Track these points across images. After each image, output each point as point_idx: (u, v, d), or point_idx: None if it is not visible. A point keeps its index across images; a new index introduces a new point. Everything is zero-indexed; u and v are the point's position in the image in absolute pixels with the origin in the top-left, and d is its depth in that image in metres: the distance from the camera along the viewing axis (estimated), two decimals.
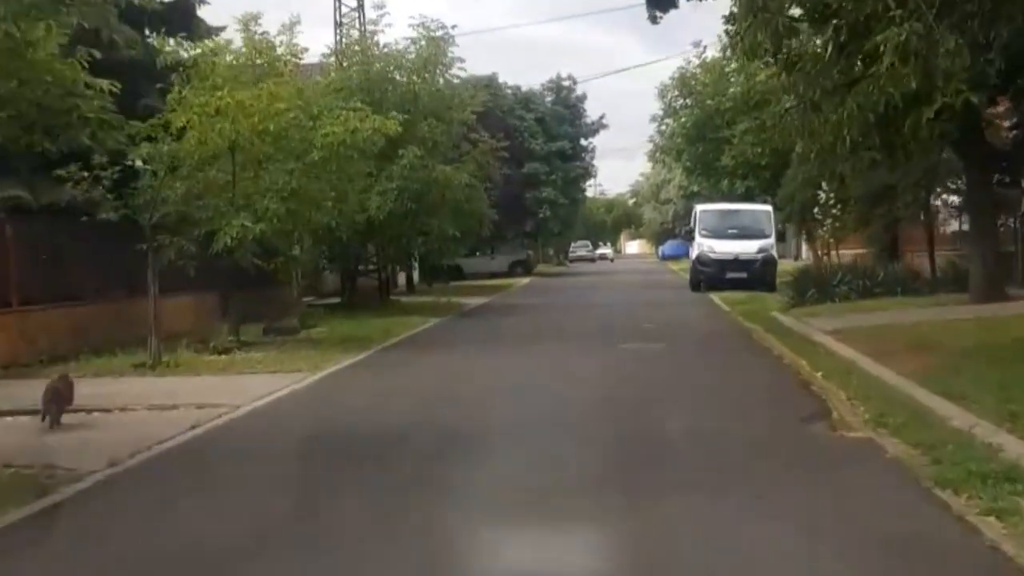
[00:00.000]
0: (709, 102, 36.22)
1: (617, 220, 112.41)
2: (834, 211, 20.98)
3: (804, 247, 49.72)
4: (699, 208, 30.99)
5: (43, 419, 9.19)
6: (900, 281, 21.26)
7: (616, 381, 11.85)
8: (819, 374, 11.20)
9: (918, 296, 20.29)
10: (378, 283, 26.17)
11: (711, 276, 29.33)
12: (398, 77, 22.84)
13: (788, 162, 35.27)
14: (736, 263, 29.01)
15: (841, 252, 38.55)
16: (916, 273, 21.89)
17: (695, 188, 69.60)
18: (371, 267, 25.50)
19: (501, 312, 23.62)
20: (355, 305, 24.57)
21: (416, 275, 39.62)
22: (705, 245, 29.61)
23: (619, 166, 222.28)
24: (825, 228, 20.84)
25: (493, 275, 45.27)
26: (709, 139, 37.66)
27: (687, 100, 37.66)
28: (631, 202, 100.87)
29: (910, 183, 21.58)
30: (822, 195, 20.63)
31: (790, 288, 22.05)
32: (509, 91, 46.48)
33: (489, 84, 43.58)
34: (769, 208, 30.56)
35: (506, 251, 46.70)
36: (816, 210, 20.97)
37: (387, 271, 25.92)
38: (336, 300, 25.78)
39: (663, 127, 38.63)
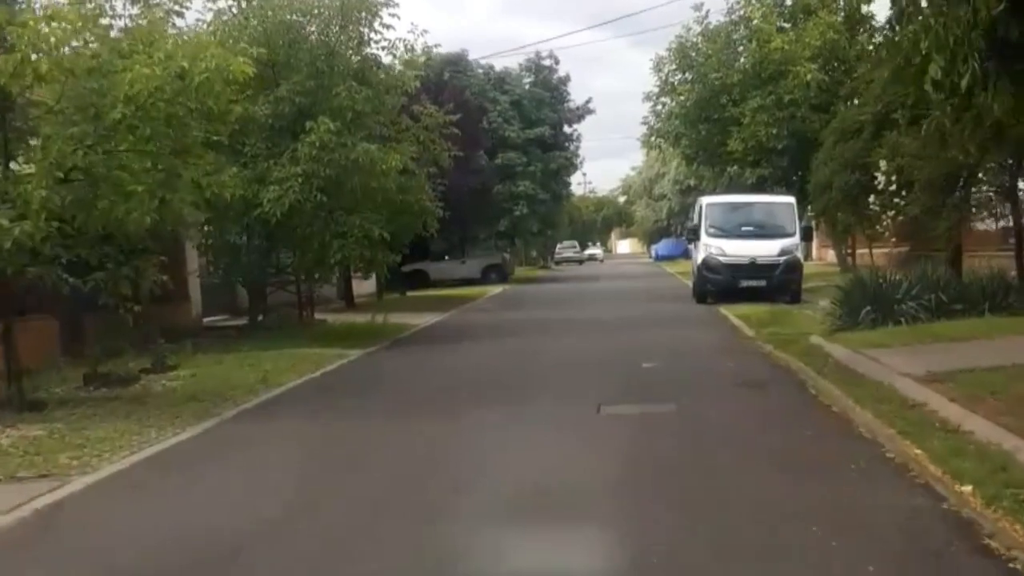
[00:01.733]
0: (713, 75, 30.77)
1: (607, 219, 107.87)
2: (896, 200, 15.43)
3: (815, 246, 44.37)
4: (705, 201, 25.51)
5: None
6: (987, 294, 15.86)
7: (582, 541, 5.95)
8: (976, 498, 5.83)
9: (1015, 315, 14.94)
10: (297, 299, 20.56)
11: (721, 285, 23.90)
12: (308, 28, 17.29)
13: (810, 145, 29.97)
14: (752, 269, 23.58)
15: (866, 252, 33.17)
16: (1006, 283, 16.42)
17: (692, 182, 64.39)
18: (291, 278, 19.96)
19: (447, 339, 18.10)
20: (265, 328, 19.07)
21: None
22: (713, 246, 24.15)
23: (609, 166, 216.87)
24: (886, 223, 15.30)
25: (465, 282, 39.93)
26: (714, 120, 32.29)
27: (687, 74, 32.22)
28: (622, 200, 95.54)
29: (994, 164, 16.17)
30: (880, 178, 15.07)
31: (837, 304, 16.56)
32: (480, 70, 41.02)
33: (457, 62, 38.24)
34: (792, 200, 25.11)
35: (479, 254, 41.19)
36: (872, 199, 15.37)
37: (312, 284, 20.28)
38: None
39: (659, 107, 33.19)
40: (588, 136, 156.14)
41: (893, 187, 15.13)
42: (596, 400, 10.37)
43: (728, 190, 31.74)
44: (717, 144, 33.09)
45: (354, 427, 9.66)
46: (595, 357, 14.48)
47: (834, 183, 21.58)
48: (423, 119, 19.03)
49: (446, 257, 41.81)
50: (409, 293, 35.02)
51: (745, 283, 23.66)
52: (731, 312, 21.18)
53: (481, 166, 29.15)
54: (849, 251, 32.65)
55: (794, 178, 31.30)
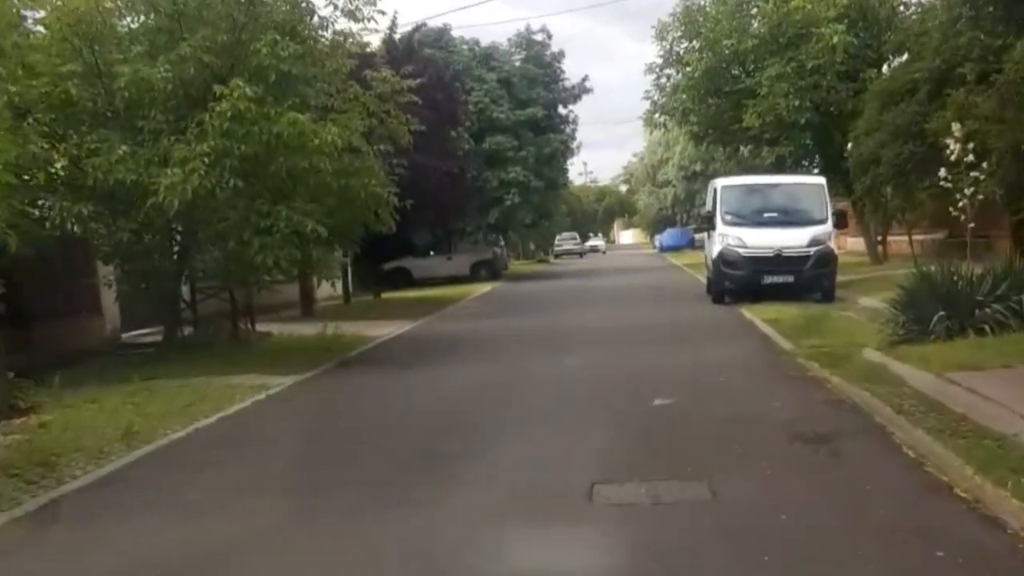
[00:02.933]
0: (725, 42, 27.20)
1: (609, 208, 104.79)
2: (974, 174, 11.87)
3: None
4: (720, 184, 21.92)
5: None
6: None
7: None
8: None
9: None
10: (231, 309, 17.05)
11: (742, 282, 20.40)
12: None
13: (837, 118, 26.48)
14: (778, 262, 20.09)
15: (893, 238, 29.64)
16: None
17: (698, 167, 60.75)
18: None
19: (404, 361, 14.59)
20: (189, 346, 15.61)
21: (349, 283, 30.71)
22: (731, 236, 20.62)
23: (611, 156, 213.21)
24: (964, 202, 11.75)
25: (452, 279, 36.46)
26: (725, 93, 28.76)
27: (694, 43, 28.64)
28: (624, 189, 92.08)
29: None
30: (952, 146, 11.54)
31: (899, 307, 13.03)
32: (465, 46, 37.43)
33: (439, 38, 34.70)
34: (822, 181, 21.56)
35: (467, 249, 37.65)
36: (944, 173, 11.82)
37: (250, 288, 16.76)
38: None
39: (663, 79, 29.61)
40: (589, 126, 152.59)
41: (970, 157, 11.64)
42: (588, 471, 6.89)
43: (743, 172, 28.22)
44: (729, 120, 29.56)
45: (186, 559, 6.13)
46: (590, 389, 10.96)
47: (883, 156, 18.01)
48: (375, 85, 15.42)
49: (431, 253, 38.31)
50: (387, 294, 31.53)
51: (769, 279, 20.17)
52: (756, 315, 17.69)
53: (461, 148, 25.54)
54: (880, 238, 29.13)
55: (818, 157, 27.80)
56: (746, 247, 20.38)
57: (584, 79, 40.39)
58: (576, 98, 40.29)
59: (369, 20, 14.59)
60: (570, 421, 9.18)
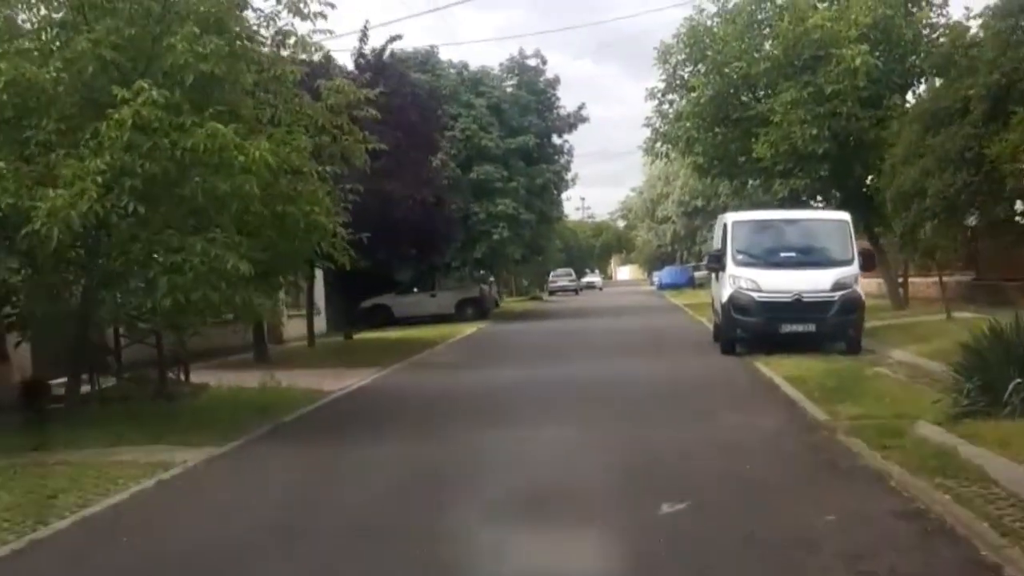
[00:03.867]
0: (734, 65, 24.89)
1: (607, 244, 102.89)
2: None
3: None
4: (731, 219, 19.49)
5: None
6: None
7: None
8: None
9: None
10: (158, 357, 14.50)
11: (756, 330, 17.95)
12: None
13: (857, 148, 24.15)
14: (798, 309, 17.67)
15: (912, 279, 27.20)
16: None
17: (699, 203, 58.45)
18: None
19: (353, 428, 12.06)
20: (102, 401, 13.10)
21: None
22: (744, 279, 18.17)
23: (609, 194, 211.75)
24: None
25: (436, 318, 34.01)
26: (733, 121, 26.43)
27: (699, 66, 26.33)
28: (621, 224, 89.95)
29: None
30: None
31: (962, 372, 10.55)
32: (453, 70, 35.17)
33: (425, 61, 32.46)
34: (846, 217, 19.16)
35: (452, 286, 35.17)
36: (1022, 206, 9.38)
37: (183, 334, 14.17)
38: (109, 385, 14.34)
39: (665, 105, 27.27)
40: (587, 162, 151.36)
41: None
42: None
43: (753, 207, 25.84)
44: (737, 151, 27.23)
45: None
46: (576, 487, 8.39)
47: (928, 187, 15.55)
48: (326, 95, 12.95)
49: (415, 289, 35.86)
50: (364, 334, 29.04)
51: (788, 328, 17.71)
52: (775, 371, 15.22)
53: (442, 176, 23.05)
54: (900, 278, 26.67)
55: (836, 191, 25.43)
56: (761, 291, 17.92)
57: (580, 107, 38.21)
58: (571, 127, 38.03)
59: (317, 18, 12.16)
60: (546, 545, 6.60)
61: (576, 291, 68.65)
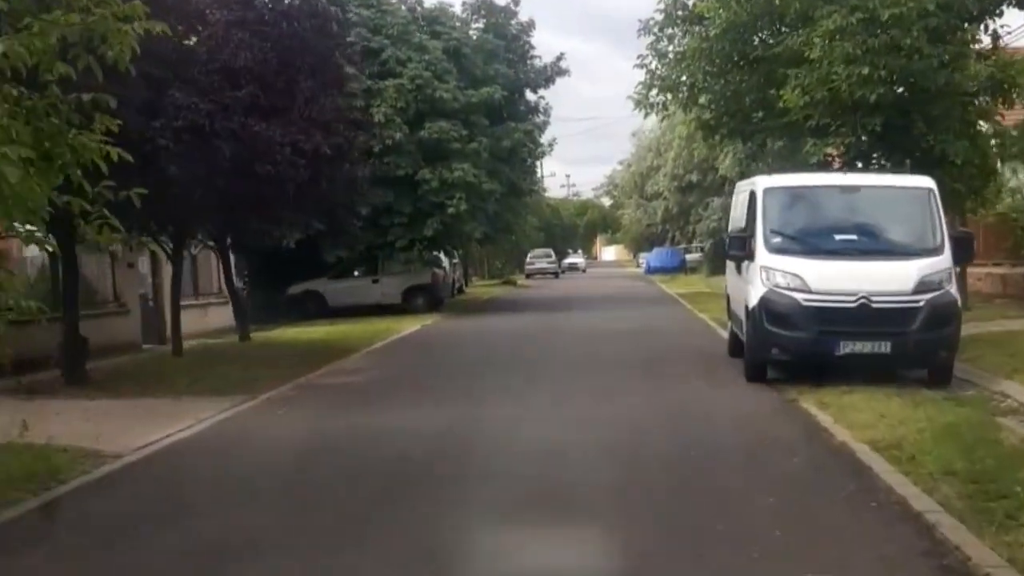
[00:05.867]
0: None
1: (592, 223, 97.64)
2: None
3: None
4: (763, 185, 13.54)
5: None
6: None
7: None
8: None
9: None
10: None
11: (800, 349, 12.33)
12: None
13: (921, 98, 18.47)
14: (865, 319, 12.09)
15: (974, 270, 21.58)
16: None
17: (694, 178, 52.49)
18: None
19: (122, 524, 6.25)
20: None
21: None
22: (782, 273, 12.47)
23: (595, 173, 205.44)
24: None
25: (379, 309, 28.39)
26: (752, 63, 20.68)
27: None
28: (608, 203, 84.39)
29: None
30: None
31: None
32: (403, 6, 29.19)
33: None
34: (930, 185, 13.32)
35: (399, 271, 29.33)
36: None
37: None
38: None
39: (664, 41, 21.37)
40: (573, 142, 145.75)
41: None
42: None
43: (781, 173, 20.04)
44: (755, 103, 21.43)
45: None
46: None
47: None
48: None
49: (355, 273, 30.04)
50: (279, 330, 23.35)
51: (849, 348, 12.02)
52: (845, 426, 9.60)
53: (346, 119, 16.72)
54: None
55: (885, 158, 19.64)
56: (808, 292, 12.22)
57: (559, 58, 32.23)
58: (548, 81, 32.07)
59: None
60: None
61: (556, 274, 62.87)
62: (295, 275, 28.63)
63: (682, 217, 55.11)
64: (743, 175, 45.77)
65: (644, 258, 69.13)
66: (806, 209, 13.33)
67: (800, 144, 20.46)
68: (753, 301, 12.66)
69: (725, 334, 19.15)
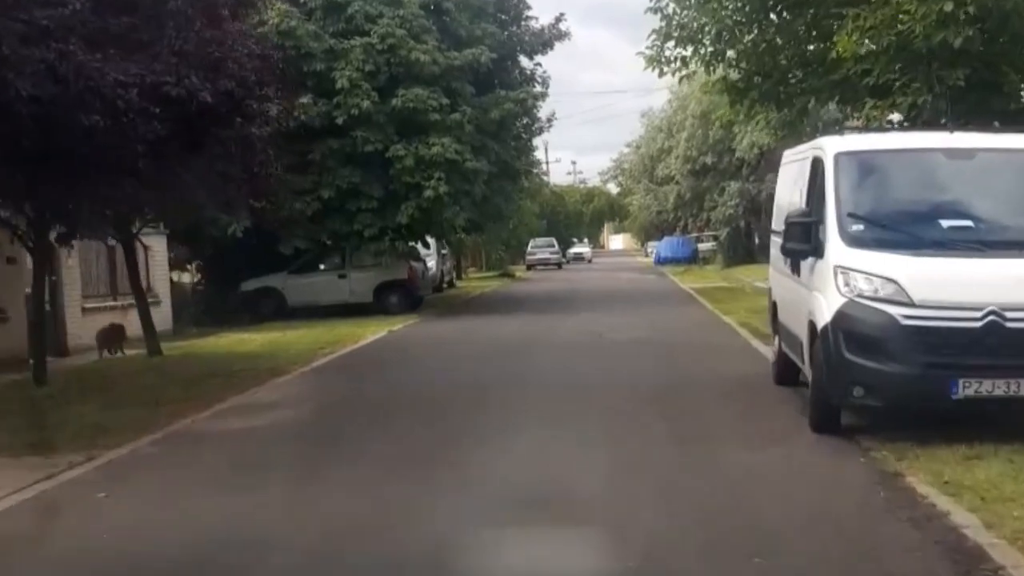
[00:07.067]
0: None
1: (599, 211, 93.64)
2: None
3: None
4: (834, 149, 9.42)
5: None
6: None
7: None
8: None
9: None
10: None
11: (898, 389, 8.24)
12: None
13: (1012, 42, 14.49)
14: (996, 344, 8.00)
15: None
16: None
17: (709, 160, 48.07)
18: None
19: None
20: None
21: None
22: (864, 275, 8.45)
23: (601, 162, 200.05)
24: None
25: (348, 308, 24.55)
26: (794, 5, 16.77)
27: None
28: (615, 190, 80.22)
29: None
30: None
31: None
32: None
33: None
34: None
35: (369, 264, 25.25)
36: None
37: None
38: None
39: None
40: (580, 129, 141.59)
41: None
42: None
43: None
44: (795, 59, 17.48)
45: None
46: None
47: None
48: None
49: (321, 267, 26.09)
50: (219, 336, 19.49)
51: (972, 389, 8.00)
52: (991, 522, 5.54)
53: (250, 55, 12.00)
54: None
55: (966, 120, 15.56)
56: (910, 304, 8.22)
57: (559, 19, 28.10)
58: (546, 46, 27.95)
59: None
60: None
61: (559, 265, 58.80)
62: (253, 269, 24.70)
63: (695, 203, 50.92)
64: (769, 151, 41.00)
65: (653, 247, 65.04)
66: (899, 183, 9.26)
67: (855, 106, 16.49)
68: (824, 317, 8.62)
69: (764, 349, 15.15)
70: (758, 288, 29.82)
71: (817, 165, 9.69)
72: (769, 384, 11.61)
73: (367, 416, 10.50)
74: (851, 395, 8.47)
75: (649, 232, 75.04)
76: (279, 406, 11.31)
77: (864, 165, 9.36)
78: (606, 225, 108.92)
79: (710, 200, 49.13)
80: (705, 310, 23.43)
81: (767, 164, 49.37)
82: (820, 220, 9.12)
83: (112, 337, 16.94)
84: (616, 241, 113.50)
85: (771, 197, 49.09)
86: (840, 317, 8.47)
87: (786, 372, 11.25)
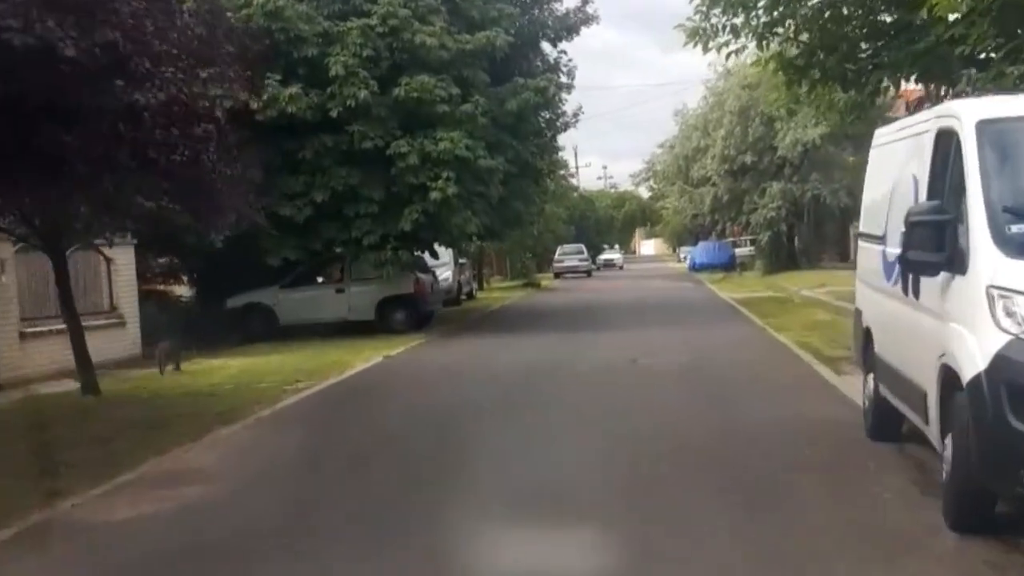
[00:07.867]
0: None
1: (629, 216, 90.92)
2: None
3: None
4: (973, 117, 6.54)
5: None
6: None
7: None
8: None
9: None
10: None
11: None
12: None
13: None
14: None
15: None
16: None
17: (748, 160, 44.86)
18: None
19: None
20: None
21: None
22: None
23: (633, 168, 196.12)
24: None
25: (347, 326, 21.88)
26: None
27: None
28: (646, 194, 77.13)
29: None
30: None
31: None
32: None
33: None
34: None
35: (370, 276, 22.38)
36: None
37: None
38: None
39: None
40: (610, 135, 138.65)
41: None
42: None
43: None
44: (863, 30, 14.60)
45: None
46: None
47: None
48: None
49: (319, 279, 23.37)
50: (192, 363, 16.81)
51: None
52: None
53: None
54: None
55: None
56: None
57: (586, 1, 25.21)
58: (571, 31, 25.10)
59: None
60: None
61: (588, 273, 55.81)
62: (242, 283, 22.01)
63: (734, 205, 47.83)
64: (815, 148, 37.71)
65: (687, 253, 61.93)
66: None
67: (948, 80, 13.55)
68: (973, 363, 5.72)
69: (835, 380, 12.22)
70: (807, 298, 26.85)
71: (946, 140, 6.78)
72: (860, 438, 8.72)
73: (317, 500, 7.65)
74: (1021, 483, 5.57)
75: (682, 237, 71.86)
76: (202, 478, 8.44)
77: (1021, 138, 6.46)
78: (637, 230, 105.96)
79: (749, 202, 46.08)
80: (753, 326, 20.43)
81: (811, 163, 46.58)
82: (959, 219, 6.23)
83: (173, 353, 16.29)
84: (647, 246, 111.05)
85: (816, 198, 45.80)
86: (1001, 364, 5.57)
87: (886, 423, 8.41)
